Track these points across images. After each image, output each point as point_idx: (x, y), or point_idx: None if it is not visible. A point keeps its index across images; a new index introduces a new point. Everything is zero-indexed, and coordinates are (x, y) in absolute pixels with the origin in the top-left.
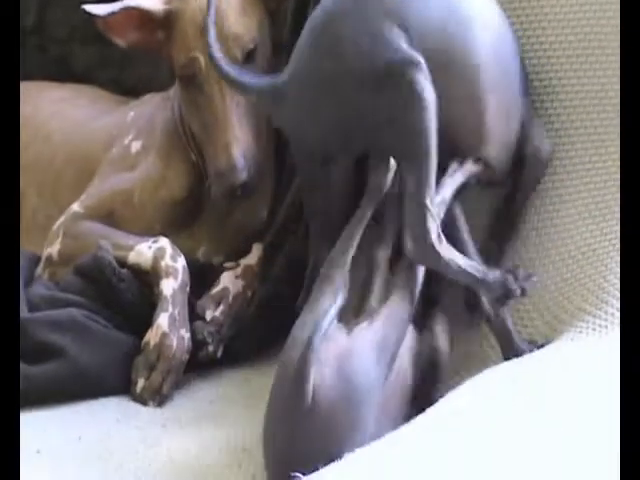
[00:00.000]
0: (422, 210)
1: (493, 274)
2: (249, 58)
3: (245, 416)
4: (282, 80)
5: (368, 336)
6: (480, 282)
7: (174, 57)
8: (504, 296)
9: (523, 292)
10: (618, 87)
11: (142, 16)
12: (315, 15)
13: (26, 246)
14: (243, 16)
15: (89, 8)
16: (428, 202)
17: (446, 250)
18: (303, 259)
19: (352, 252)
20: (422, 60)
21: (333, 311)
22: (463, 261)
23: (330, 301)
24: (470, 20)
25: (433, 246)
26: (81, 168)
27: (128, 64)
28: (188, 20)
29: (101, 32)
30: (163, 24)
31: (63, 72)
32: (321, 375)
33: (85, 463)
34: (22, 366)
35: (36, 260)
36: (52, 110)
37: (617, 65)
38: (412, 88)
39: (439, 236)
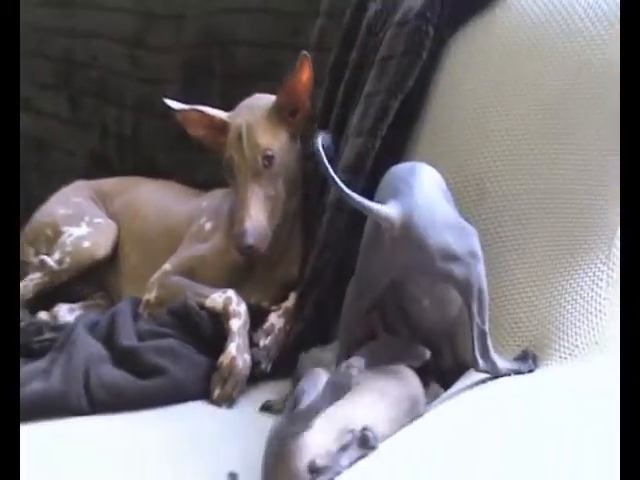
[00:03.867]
0: (485, 335)
1: (523, 367)
2: (268, 162)
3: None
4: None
5: None
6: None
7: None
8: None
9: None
10: None
11: (209, 119)
12: None
13: (130, 292)
14: (267, 132)
15: (169, 102)
16: (487, 328)
17: (499, 359)
18: (326, 304)
19: None
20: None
21: None
22: (504, 363)
23: None
24: None
25: (492, 359)
26: (170, 239)
27: (200, 166)
28: (232, 131)
29: (179, 122)
30: (224, 131)
31: (152, 170)
32: None
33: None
34: (137, 380)
35: (138, 302)
36: (146, 197)
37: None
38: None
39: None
